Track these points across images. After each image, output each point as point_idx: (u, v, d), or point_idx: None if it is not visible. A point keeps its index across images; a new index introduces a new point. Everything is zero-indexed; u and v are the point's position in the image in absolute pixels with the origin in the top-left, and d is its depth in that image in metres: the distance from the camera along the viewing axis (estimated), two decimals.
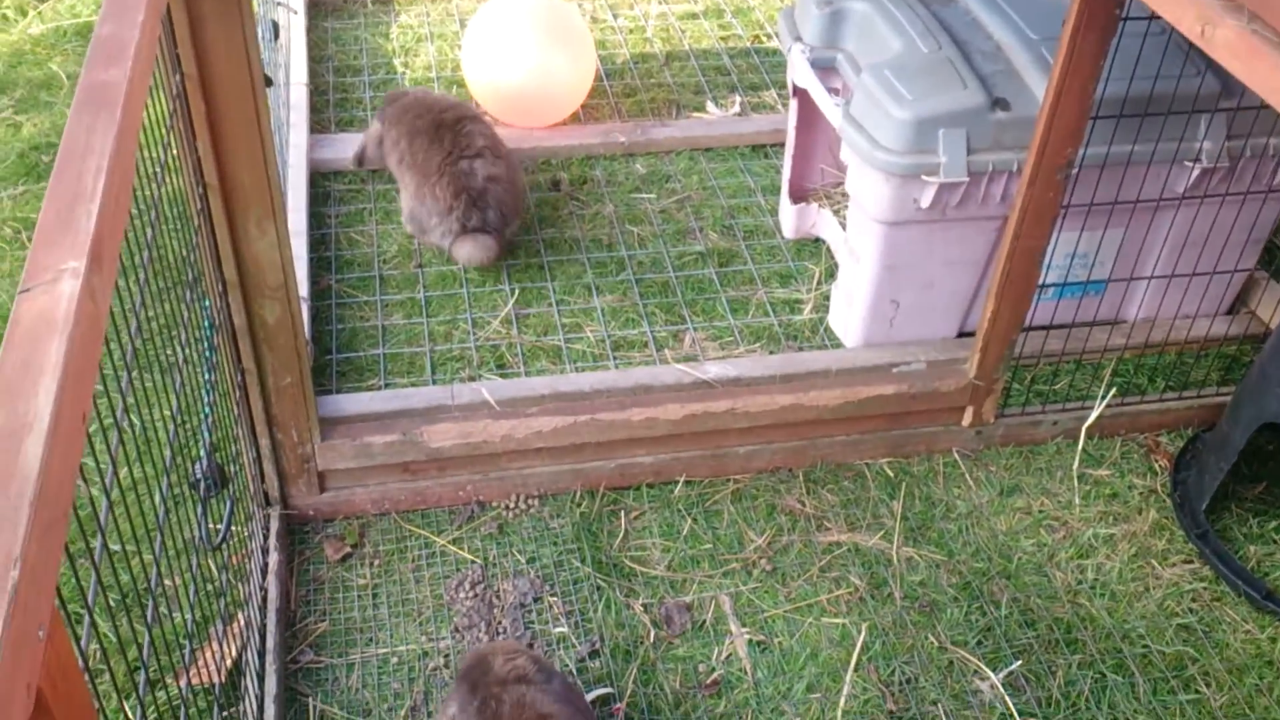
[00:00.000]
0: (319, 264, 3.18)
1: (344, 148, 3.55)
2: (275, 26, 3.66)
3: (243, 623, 2.22)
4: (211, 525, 1.90)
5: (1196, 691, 2.33)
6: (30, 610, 0.85)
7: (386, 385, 2.79)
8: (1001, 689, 2.31)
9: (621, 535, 2.59)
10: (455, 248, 3.10)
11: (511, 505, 2.63)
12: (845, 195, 2.98)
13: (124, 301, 1.48)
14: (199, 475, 1.85)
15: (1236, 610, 2.48)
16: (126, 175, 1.29)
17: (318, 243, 3.26)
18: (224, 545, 1.90)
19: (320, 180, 3.50)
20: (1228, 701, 2.31)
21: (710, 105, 3.91)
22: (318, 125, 3.69)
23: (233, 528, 1.97)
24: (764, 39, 4.43)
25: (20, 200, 3.46)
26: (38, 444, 0.93)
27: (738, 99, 3.94)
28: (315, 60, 4.07)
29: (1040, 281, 2.54)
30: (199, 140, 1.96)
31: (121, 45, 1.40)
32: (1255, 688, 2.34)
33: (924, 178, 2.56)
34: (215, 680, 2.04)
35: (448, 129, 3.13)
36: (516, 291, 3.11)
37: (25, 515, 0.88)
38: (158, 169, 1.70)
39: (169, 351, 1.60)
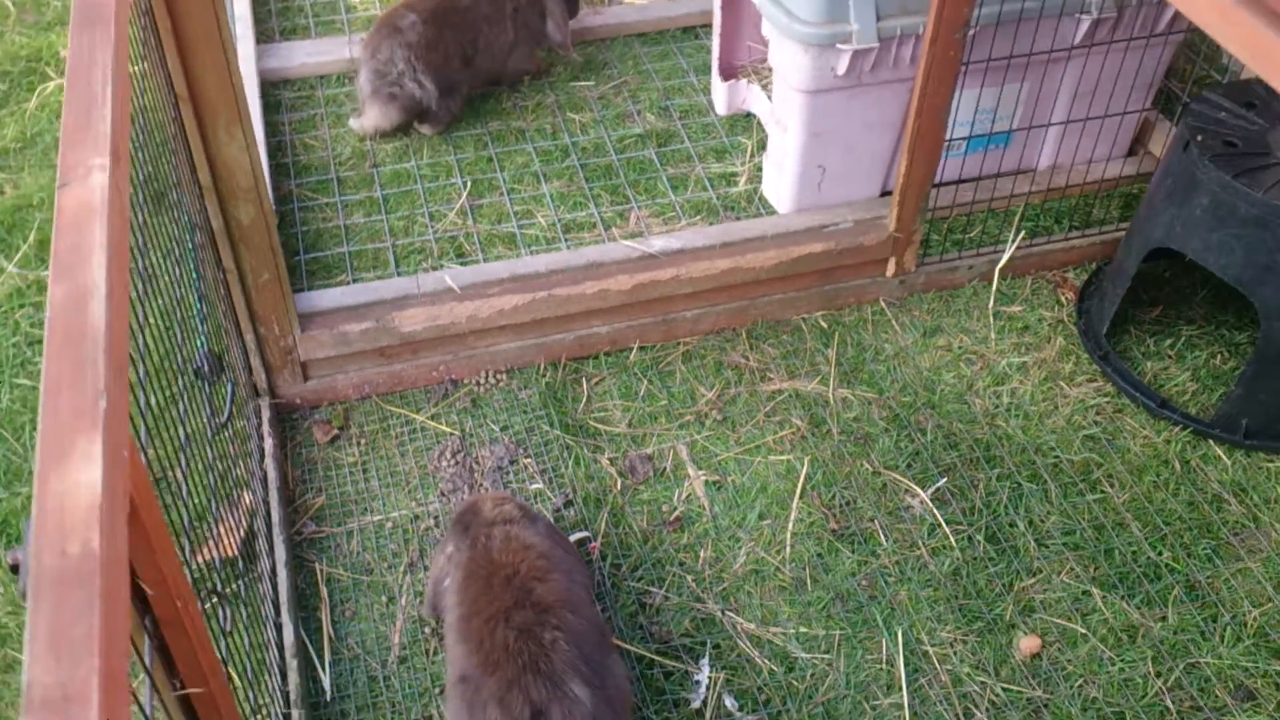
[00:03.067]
0: (278, 170, 3.33)
1: (289, 55, 3.67)
2: None
3: (249, 501, 2.45)
4: (214, 413, 2.12)
5: (1102, 492, 2.64)
6: (116, 434, 1.07)
7: (355, 280, 2.98)
8: (930, 503, 2.60)
9: (585, 400, 2.83)
10: None
11: (482, 381, 2.86)
12: (771, 70, 3.17)
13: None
14: (200, 362, 2.06)
15: (1135, 419, 2.79)
16: (125, 81, 1.47)
17: (275, 150, 3.40)
18: (228, 426, 2.11)
19: (270, 89, 3.62)
20: (1129, 498, 2.63)
21: None
22: (263, 35, 3.79)
23: (226, 409, 2.19)
24: None
25: None
26: (100, 306, 1.14)
27: None
28: None
29: (949, 136, 2.77)
30: (167, 55, 2.11)
31: None
32: (1153, 484, 2.66)
33: (838, 46, 2.76)
34: (233, 552, 2.28)
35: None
36: (468, 184, 3.30)
37: (101, 360, 1.09)
38: (138, 83, 1.86)
39: (157, 255, 1.78)
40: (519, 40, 3.47)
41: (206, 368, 2.08)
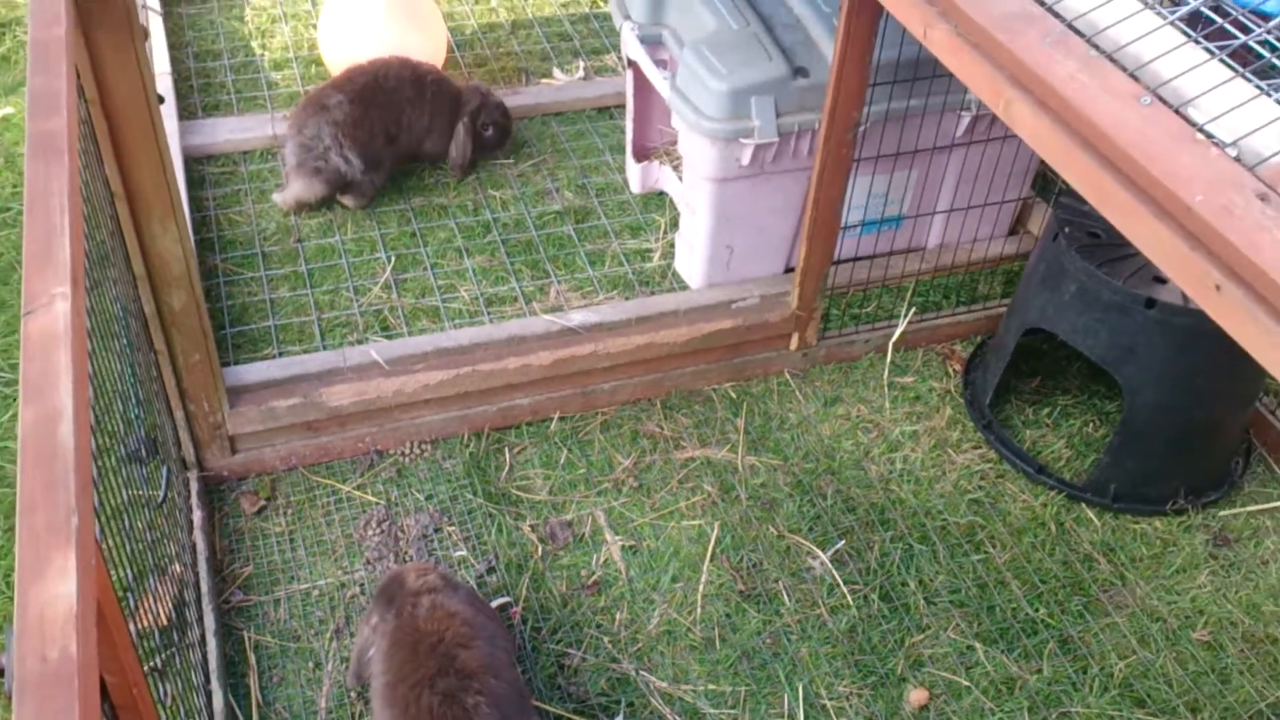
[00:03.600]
0: (203, 245, 3.43)
1: (212, 132, 3.77)
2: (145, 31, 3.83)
3: (177, 571, 2.54)
4: (150, 491, 2.22)
5: (985, 552, 2.86)
6: (86, 546, 1.20)
7: (281, 354, 3.09)
8: (829, 565, 2.79)
9: (507, 469, 2.98)
10: None
11: (407, 451, 2.99)
12: (681, 154, 3.37)
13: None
14: (136, 445, 2.16)
15: (1016, 484, 3.02)
16: (78, 207, 1.60)
17: (199, 225, 3.50)
18: (164, 504, 2.21)
19: (194, 165, 3.72)
20: (1010, 558, 2.85)
21: (556, 72, 4.24)
22: (185, 111, 3.89)
23: (162, 490, 2.29)
24: (601, 3, 4.76)
25: None
26: (68, 427, 1.27)
27: (582, 64, 4.29)
28: (174, 47, 4.24)
29: (844, 223, 2.99)
30: (104, 155, 2.23)
31: (55, 96, 1.69)
32: (1031, 544, 2.88)
33: (742, 140, 2.97)
34: (159, 623, 2.37)
35: None
36: (393, 259, 3.44)
37: (71, 479, 1.22)
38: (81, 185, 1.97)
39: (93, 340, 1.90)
40: (434, 126, 3.63)
41: (143, 450, 2.18)
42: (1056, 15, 1.82)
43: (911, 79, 2.94)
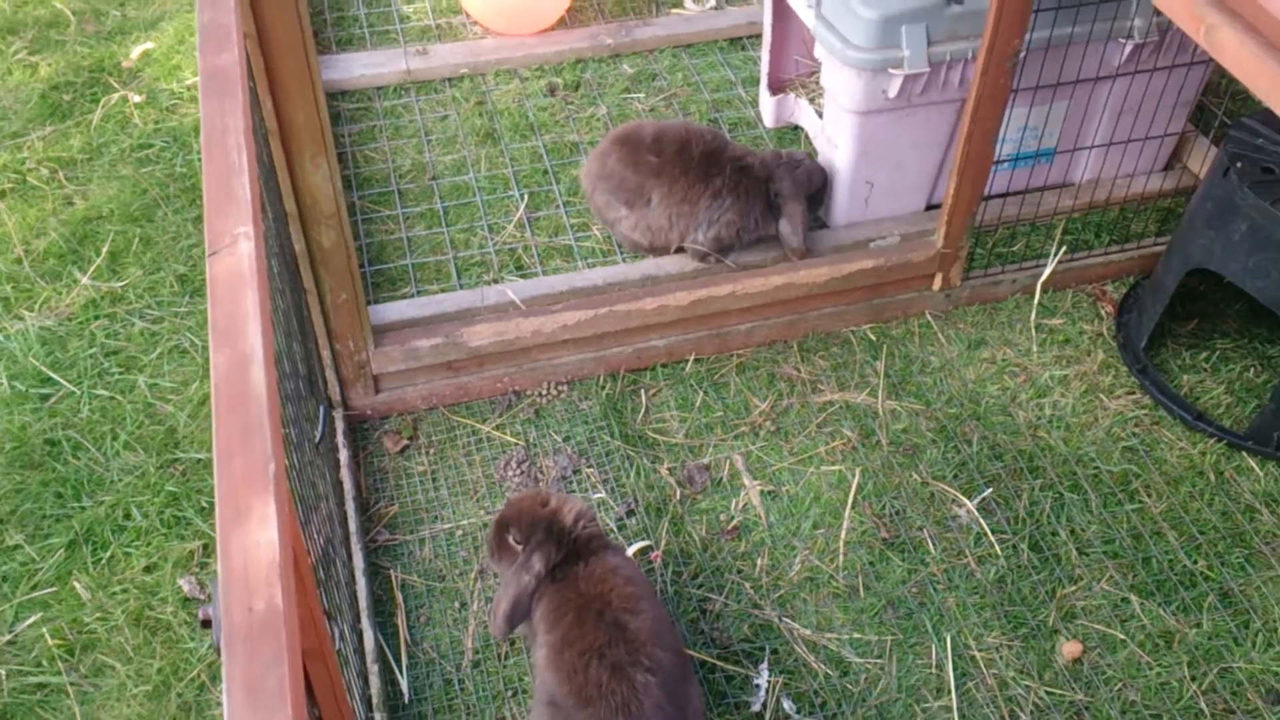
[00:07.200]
0: (341, 183, 3.44)
1: (347, 67, 3.77)
2: None
3: (324, 512, 2.58)
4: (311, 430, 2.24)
5: (1139, 502, 2.75)
6: (283, 494, 1.20)
7: (419, 292, 3.11)
8: (976, 513, 2.72)
9: (643, 411, 2.95)
10: None
11: (544, 392, 2.98)
12: (819, 85, 3.26)
13: None
14: (295, 384, 2.18)
15: (1172, 431, 2.89)
16: (251, 144, 1.59)
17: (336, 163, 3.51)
18: (322, 442, 2.24)
19: (329, 101, 3.72)
20: (1166, 508, 2.73)
21: (688, 1, 4.13)
22: (320, 46, 3.90)
23: (321, 429, 2.32)
24: None
25: (50, 140, 3.69)
26: (260, 372, 1.26)
27: None
28: None
29: (995, 157, 2.86)
30: (260, 92, 2.23)
31: (226, 31, 1.68)
32: (1189, 494, 2.76)
33: (890, 71, 2.85)
34: (313, 560, 2.41)
35: None
36: (526, 197, 3.41)
37: (267, 425, 1.22)
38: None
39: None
40: None
41: (301, 389, 2.21)
42: None
43: (1077, 4, 2.77)
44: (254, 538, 1.13)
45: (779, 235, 3.04)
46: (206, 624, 1.12)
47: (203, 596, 2.55)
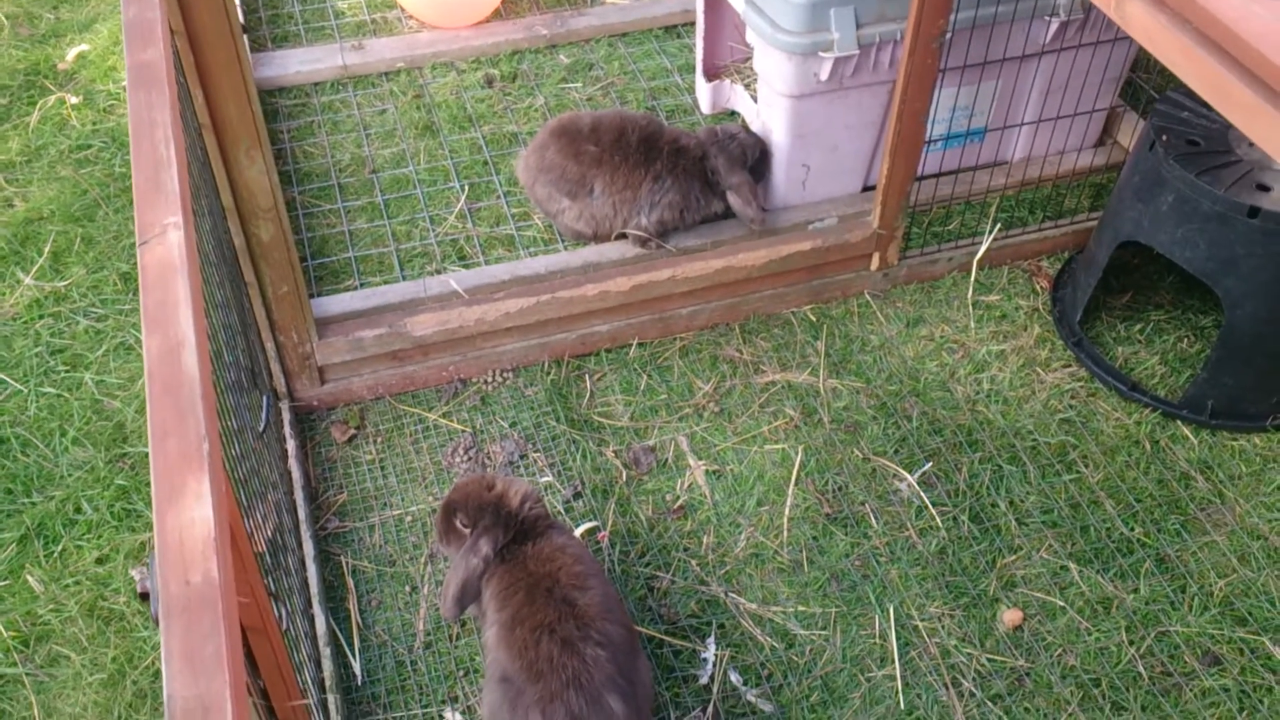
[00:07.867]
0: (280, 179, 3.42)
1: (283, 64, 3.76)
2: None
3: (272, 500, 2.59)
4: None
5: (1077, 472, 2.82)
6: (217, 472, 1.21)
7: (362, 285, 3.11)
8: (917, 487, 2.77)
9: (588, 395, 2.98)
10: None
11: (490, 380, 3.00)
12: (754, 70, 3.30)
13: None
14: (236, 375, 2.19)
15: (1108, 402, 2.97)
16: (181, 137, 1.60)
17: (275, 158, 3.49)
18: (267, 431, 2.25)
19: (266, 98, 3.72)
20: (1103, 477, 2.81)
21: None
22: (255, 44, 3.88)
23: (264, 419, 2.32)
24: None
25: None
26: (192, 356, 1.28)
27: None
28: None
29: (927, 137, 2.92)
30: (190, 86, 2.22)
31: (150, 25, 1.69)
32: (1125, 464, 2.84)
33: (820, 54, 2.89)
34: (259, 549, 2.42)
35: None
36: (466, 188, 3.42)
37: (200, 406, 1.23)
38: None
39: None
40: None
41: (243, 380, 2.21)
42: None
43: None
44: (190, 514, 1.15)
45: (734, 210, 3.09)
46: (144, 597, 1.13)
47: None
